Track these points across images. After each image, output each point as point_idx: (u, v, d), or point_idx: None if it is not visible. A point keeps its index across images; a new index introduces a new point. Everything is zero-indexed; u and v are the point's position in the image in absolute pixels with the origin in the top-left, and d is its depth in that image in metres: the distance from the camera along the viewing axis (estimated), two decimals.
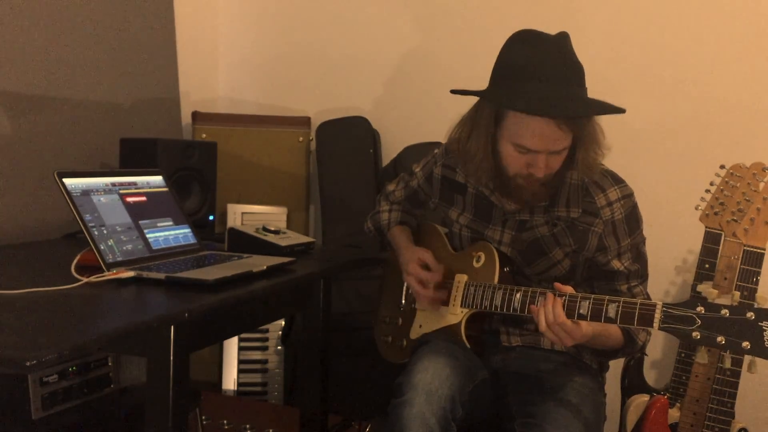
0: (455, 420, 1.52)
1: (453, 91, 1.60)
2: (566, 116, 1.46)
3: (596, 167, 1.60)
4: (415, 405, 1.48)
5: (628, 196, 1.62)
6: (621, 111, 1.49)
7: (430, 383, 1.51)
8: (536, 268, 1.68)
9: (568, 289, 1.48)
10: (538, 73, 1.47)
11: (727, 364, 1.77)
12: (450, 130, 1.70)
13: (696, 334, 1.30)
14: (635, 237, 1.63)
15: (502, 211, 1.70)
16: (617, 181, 1.63)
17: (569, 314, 1.44)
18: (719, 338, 1.29)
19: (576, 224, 1.63)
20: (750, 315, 1.27)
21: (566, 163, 1.59)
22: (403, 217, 1.98)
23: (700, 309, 1.31)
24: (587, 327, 1.46)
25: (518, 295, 1.56)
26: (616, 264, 1.62)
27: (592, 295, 1.44)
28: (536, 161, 1.53)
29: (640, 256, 1.65)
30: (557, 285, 1.49)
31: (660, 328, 1.34)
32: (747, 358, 1.33)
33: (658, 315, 1.34)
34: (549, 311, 1.45)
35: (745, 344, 1.27)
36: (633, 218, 1.62)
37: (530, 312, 1.51)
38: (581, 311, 1.44)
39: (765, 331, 1.26)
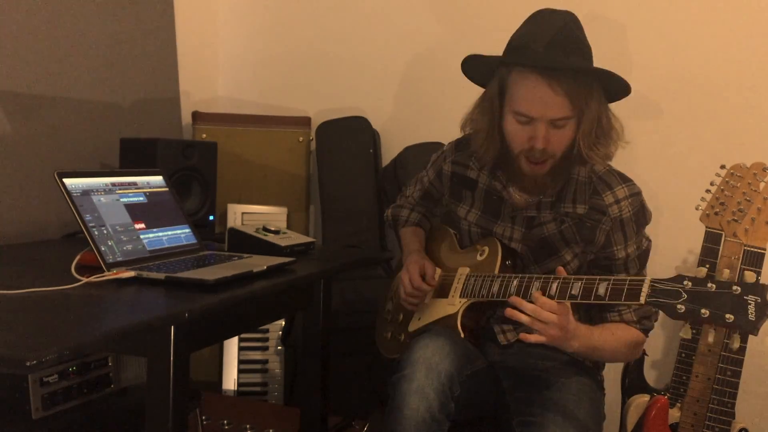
0: (453, 398, 1.52)
1: (462, 62, 1.65)
2: (551, 66, 1.49)
3: (600, 155, 1.59)
4: (414, 380, 1.49)
5: (636, 195, 1.63)
6: (621, 80, 1.52)
7: (430, 358, 1.52)
8: (545, 267, 1.69)
9: (560, 272, 1.51)
10: (538, 39, 1.51)
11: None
12: (463, 119, 1.73)
13: (681, 307, 1.32)
14: (640, 236, 1.65)
15: (511, 207, 1.71)
16: (624, 179, 1.64)
17: (561, 296, 1.46)
18: (703, 310, 1.30)
19: (584, 221, 1.64)
20: (735, 288, 1.29)
21: (572, 156, 1.60)
22: (422, 220, 2.01)
23: (687, 283, 1.33)
24: (576, 324, 1.49)
25: (515, 282, 1.56)
26: (619, 258, 1.64)
27: (585, 276, 1.47)
28: (536, 131, 1.54)
29: (643, 253, 1.67)
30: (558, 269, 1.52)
31: (647, 302, 1.36)
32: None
33: (645, 289, 1.36)
34: (527, 305, 1.45)
35: (729, 316, 1.28)
36: (641, 216, 1.64)
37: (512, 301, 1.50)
38: (573, 292, 1.46)
39: (750, 304, 1.28)
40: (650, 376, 2.42)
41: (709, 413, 1.90)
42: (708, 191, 2.02)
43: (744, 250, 1.89)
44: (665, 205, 2.36)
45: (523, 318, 1.45)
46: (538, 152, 1.55)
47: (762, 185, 1.92)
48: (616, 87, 1.56)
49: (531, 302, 1.46)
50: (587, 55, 1.56)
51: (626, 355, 1.71)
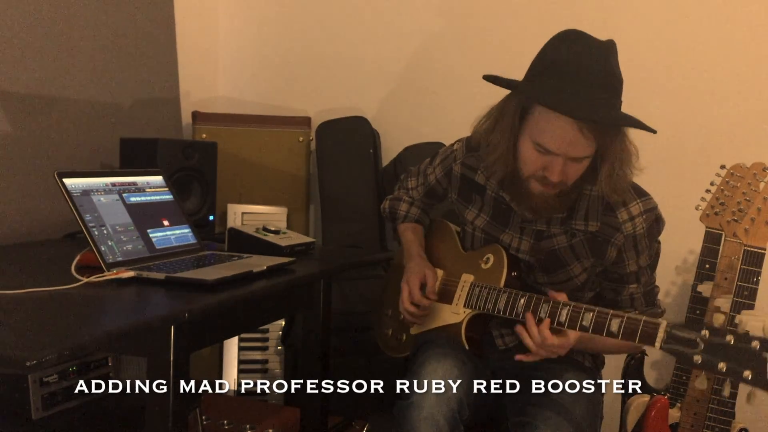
0: (462, 421, 1.52)
1: (486, 77, 1.52)
2: (587, 119, 1.39)
3: (622, 188, 1.53)
4: (424, 407, 1.48)
5: (651, 210, 1.58)
6: (650, 129, 1.42)
7: (439, 385, 1.51)
8: (553, 278, 1.66)
9: (562, 296, 1.48)
10: (576, 73, 1.39)
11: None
12: (476, 121, 1.62)
13: (698, 358, 1.27)
14: (652, 247, 1.63)
15: (520, 218, 1.66)
16: (640, 194, 1.59)
17: (571, 325, 1.44)
18: (721, 364, 1.25)
19: (596, 236, 1.60)
20: (755, 344, 1.24)
21: (586, 177, 1.54)
22: (421, 216, 1.95)
23: (705, 333, 1.28)
24: (574, 334, 1.46)
25: (522, 301, 1.53)
26: (631, 271, 1.63)
27: (596, 308, 1.43)
28: (553, 165, 1.46)
29: (654, 260, 1.67)
30: (551, 294, 1.49)
31: (662, 348, 1.31)
32: (747, 389, 1.30)
33: (661, 334, 1.32)
34: (535, 335, 1.46)
35: (747, 374, 1.24)
36: (655, 230, 1.61)
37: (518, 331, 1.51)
38: (584, 323, 1.42)
39: None
40: (650, 375, 2.42)
41: (709, 413, 1.90)
42: (708, 191, 2.02)
43: (744, 250, 1.88)
44: (665, 205, 2.35)
45: (529, 343, 1.47)
46: (551, 183, 1.50)
47: (762, 185, 1.92)
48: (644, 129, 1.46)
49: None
50: (619, 91, 1.44)
51: (626, 352, 1.70)
